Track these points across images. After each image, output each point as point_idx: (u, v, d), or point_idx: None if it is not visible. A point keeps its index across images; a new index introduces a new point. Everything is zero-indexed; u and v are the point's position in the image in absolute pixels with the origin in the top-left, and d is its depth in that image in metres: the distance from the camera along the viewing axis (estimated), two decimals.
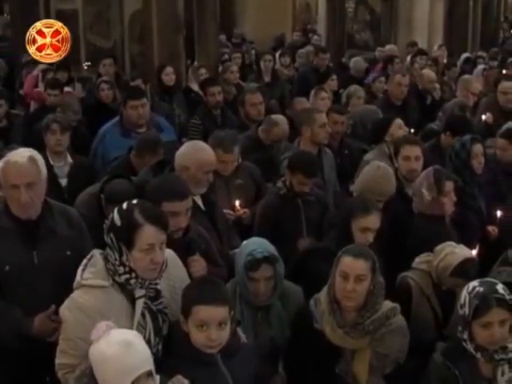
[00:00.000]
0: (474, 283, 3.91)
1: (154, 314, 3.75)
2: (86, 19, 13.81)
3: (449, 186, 5.71)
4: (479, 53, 16.03)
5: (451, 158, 6.61)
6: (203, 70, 10.54)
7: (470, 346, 3.87)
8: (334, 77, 10.59)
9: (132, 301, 3.70)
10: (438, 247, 5.04)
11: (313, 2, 21.22)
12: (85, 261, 3.76)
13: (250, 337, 4.38)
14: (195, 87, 10.37)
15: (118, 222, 3.66)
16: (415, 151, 6.29)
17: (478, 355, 3.87)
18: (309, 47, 15.16)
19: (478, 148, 6.53)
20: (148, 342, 3.57)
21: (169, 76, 10.26)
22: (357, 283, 4.13)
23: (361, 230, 5.02)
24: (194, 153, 5.38)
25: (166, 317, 3.80)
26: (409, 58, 13.06)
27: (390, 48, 14.55)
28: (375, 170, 5.88)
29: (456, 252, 4.96)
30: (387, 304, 4.33)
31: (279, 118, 7.56)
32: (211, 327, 3.57)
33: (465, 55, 15.00)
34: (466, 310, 3.85)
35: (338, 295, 4.20)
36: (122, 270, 3.66)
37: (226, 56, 13.37)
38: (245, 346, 3.89)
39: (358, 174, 6.19)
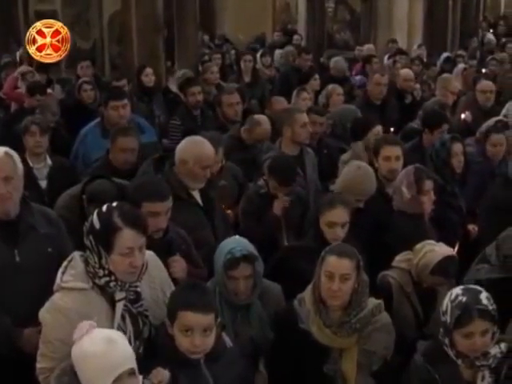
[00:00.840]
0: (458, 291, 3.89)
1: (134, 316, 3.75)
2: (65, 20, 13.71)
3: (428, 184, 5.74)
4: (459, 52, 16.10)
5: (431, 157, 6.64)
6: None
7: (451, 352, 3.87)
8: (317, 76, 10.60)
9: (112, 303, 3.69)
10: (418, 245, 5.06)
11: (293, 1, 21.22)
12: (65, 263, 3.75)
13: (231, 336, 4.38)
14: (174, 88, 10.35)
15: (97, 225, 3.66)
16: (395, 151, 6.31)
17: (459, 361, 3.87)
18: (289, 47, 15.17)
19: (457, 147, 6.58)
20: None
21: (148, 77, 10.26)
22: (342, 282, 4.13)
23: (328, 225, 5.03)
24: (193, 147, 5.45)
25: (146, 319, 3.79)
26: (386, 56, 13.14)
27: (368, 47, 14.62)
28: (355, 170, 5.91)
29: (436, 250, 4.98)
30: (372, 301, 4.36)
31: (262, 117, 7.57)
32: (196, 333, 3.57)
33: (445, 54, 15.06)
34: (448, 318, 3.84)
35: (323, 295, 4.20)
36: (101, 272, 3.65)
37: (206, 57, 13.36)
38: (229, 351, 3.89)
39: (339, 175, 6.21)
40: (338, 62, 12.22)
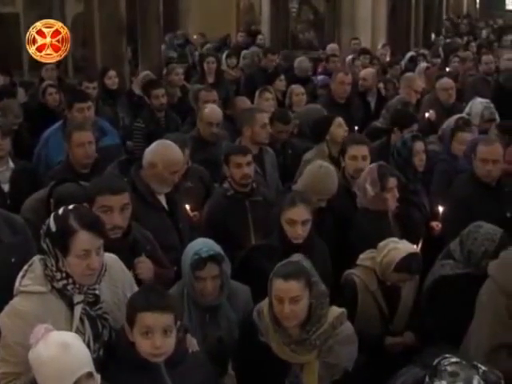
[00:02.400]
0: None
1: (93, 319, 3.72)
2: (28, 23, 13.63)
3: (392, 182, 5.78)
4: (421, 51, 16.23)
5: (393, 155, 6.67)
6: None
7: None
8: (282, 77, 10.61)
9: (71, 306, 3.67)
10: (381, 243, 5.09)
11: (256, 2, 21.24)
12: (25, 267, 3.73)
13: (199, 338, 4.37)
14: (138, 90, 10.30)
15: (53, 227, 3.64)
16: (362, 151, 6.34)
17: None
18: (254, 48, 15.18)
19: (419, 145, 6.62)
20: (87, 347, 3.52)
21: (111, 80, 10.22)
22: (293, 304, 4.06)
23: (288, 223, 5.02)
24: (163, 151, 5.45)
25: (106, 322, 3.77)
26: (349, 57, 13.20)
27: (331, 47, 14.67)
28: (317, 169, 5.90)
29: (399, 247, 5.01)
30: (333, 312, 4.29)
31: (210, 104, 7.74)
32: (156, 334, 3.55)
33: (409, 54, 15.15)
34: None
35: (277, 316, 4.14)
36: (59, 275, 3.63)
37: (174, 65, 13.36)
38: (193, 355, 3.87)
39: (299, 173, 6.22)
40: (301, 62, 12.24)
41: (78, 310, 3.66)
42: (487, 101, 8.54)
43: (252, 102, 8.88)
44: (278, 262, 4.37)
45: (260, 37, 17.29)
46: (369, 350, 4.96)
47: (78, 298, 3.67)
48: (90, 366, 3.28)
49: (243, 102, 8.76)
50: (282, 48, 15.89)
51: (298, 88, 9.39)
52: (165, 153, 5.42)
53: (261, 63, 12.92)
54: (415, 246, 5.33)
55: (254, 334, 4.26)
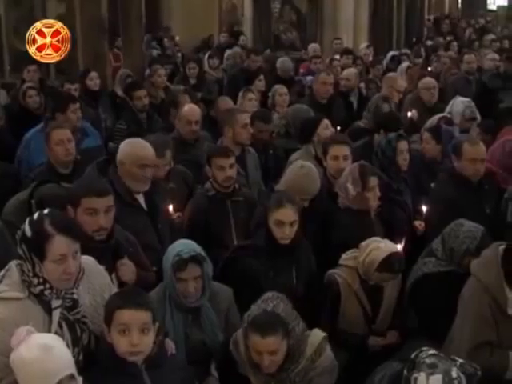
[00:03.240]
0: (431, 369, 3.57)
1: (72, 323, 3.70)
2: (9, 24, 13.56)
3: (373, 181, 5.79)
4: (403, 50, 16.28)
5: (377, 154, 6.69)
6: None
7: None
8: (262, 77, 10.62)
9: (49, 311, 3.64)
10: (364, 243, 5.10)
11: (239, 3, 21.23)
12: (2, 272, 3.69)
13: (182, 340, 4.41)
14: (120, 92, 10.28)
15: (28, 233, 3.61)
16: (343, 151, 6.35)
17: None
18: (236, 48, 15.17)
19: (403, 145, 6.64)
20: None
21: (93, 81, 10.18)
22: (272, 356, 4.01)
23: (275, 224, 5.00)
24: (129, 148, 5.49)
25: (85, 326, 3.75)
26: (328, 58, 13.22)
27: (312, 47, 14.69)
28: (298, 169, 5.91)
29: (381, 247, 5.02)
30: (312, 342, 4.25)
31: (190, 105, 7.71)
32: (133, 331, 3.55)
33: (391, 53, 15.21)
34: None
35: (256, 362, 4.08)
36: (36, 281, 3.60)
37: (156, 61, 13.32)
38: (172, 358, 3.87)
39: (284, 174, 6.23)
40: (284, 62, 12.26)
41: (56, 314, 3.64)
42: (468, 100, 8.59)
43: (235, 103, 8.89)
44: (263, 261, 4.37)
45: (242, 37, 17.29)
46: (352, 349, 5.00)
47: (55, 302, 3.64)
48: (71, 368, 3.28)
49: (225, 102, 8.78)
50: (264, 48, 15.91)
51: (281, 88, 9.38)
52: (129, 149, 5.46)
53: (244, 64, 12.90)
54: (398, 245, 5.35)
55: (233, 364, 4.23)
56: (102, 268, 4.07)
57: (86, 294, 3.83)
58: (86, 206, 4.44)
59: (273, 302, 4.15)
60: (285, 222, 4.99)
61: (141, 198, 5.42)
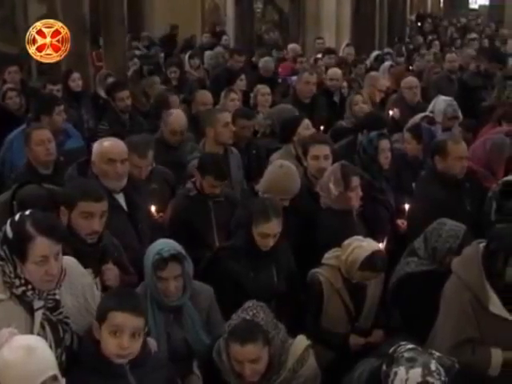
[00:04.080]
0: (417, 378, 3.56)
1: (54, 324, 3.69)
2: None
3: (355, 181, 5.80)
4: (386, 50, 16.33)
5: (359, 153, 6.71)
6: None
7: None
8: (243, 77, 10.62)
9: (31, 313, 3.63)
10: (346, 242, 5.11)
11: (221, 3, 21.24)
12: None
13: (163, 339, 4.41)
14: (102, 93, 10.25)
15: (9, 234, 3.60)
16: (324, 150, 6.35)
17: None
18: (219, 48, 15.17)
19: (384, 143, 6.66)
20: None
21: (75, 82, 10.14)
22: (253, 364, 3.98)
23: (261, 236, 5.03)
24: (97, 146, 5.54)
25: (67, 327, 3.75)
26: (313, 57, 13.24)
27: (292, 47, 14.69)
28: (278, 169, 5.91)
29: (363, 246, 5.04)
30: (295, 352, 4.21)
31: (175, 110, 7.71)
32: (124, 335, 3.57)
33: (375, 53, 15.23)
34: None
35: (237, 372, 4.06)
36: (17, 282, 3.59)
37: (136, 60, 13.29)
38: (155, 356, 3.87)
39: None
40: (266, 61, 12.27)
41: (38, 315, 3.63)
42: (450, 98, 8.61)
43: (218, 103, 8.89)
44: (243, 263, 4.37)
45: (225, 37, 17.29)
46: (336, 348, 5.01)
47: (37, 303, 3.64)
48: (55, 369, 3.26)
49: (203, 95, 8.84)
50: (246, 48, 15.90)
51: (263, 88, 9.39)
52: (97, 147, 5.50)
53: (227, 64, 12.89)
54: (380, 244, 5.37)
55: (216, 371, 4.18)
56: (82, 268, 4.06)
57: (68, 295, 3.82)
58: (82, 210, 4.43)
59: (252, 310, 4.10)
60: (270, 234, 5.03)
61: (121, 198, 5.43)
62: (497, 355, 4.51)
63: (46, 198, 4.91)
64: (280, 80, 12.26)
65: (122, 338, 3.57)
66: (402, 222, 6.47)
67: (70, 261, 3.87)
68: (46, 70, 12.61)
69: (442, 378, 3.57)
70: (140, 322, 3.63)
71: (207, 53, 14.92)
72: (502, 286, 4.51)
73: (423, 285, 5.00)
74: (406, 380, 3.54)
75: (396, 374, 3.57)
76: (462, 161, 6.31)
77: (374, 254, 5.01)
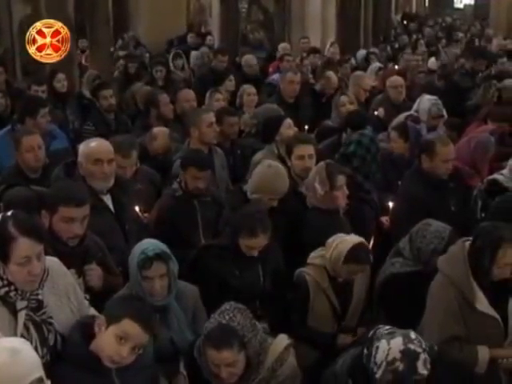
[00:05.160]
0: (396, 353, 3.70)
1: (38, 324, 3.68)
2: None
3: (341, 179, 5.82)
4: (371, 49, 16.35)
5: (347, 156, 6.73)
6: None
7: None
8: (232, 77, 10.60)
9: (14, 313, 3.62)
10: (330, 239, 5.13)
11: (207, 3, 21.21)
12: None
13: (149, 339, 4.38)
14: (87, 93, 10.23)
15: None
16: (308, 150, 6.36)
17: None
18: (204, 48, 15.15)
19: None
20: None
21: (60, 83, 10.10)
22: (229, 367, 4.01)
23: (247, 248, 5.04)
24: (83, 147, 5.53)
25: (51, 327, 3.74)
26: (299, 56, 13.25)
27: (282, 47, 14.70)
28: (267, 169, 5.90)
29: (346, 239, 5.08)
30: (274, 351, 4.23)
31: (160, 131, 7.54)
32: (128, 345, 3.62)
33: (363, 52, 15.24)
34: (379, 374, 3.75)
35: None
36: (0, 283, 3.58)
37: (121, 61, 13.27)
38: (139, 357, 3.84)
39: (250, 174, 6.22)
40: (249, 59, 12.29)
41: (21, 316, 3.62)
42: (435, 97, 8.63)
43: (203, 103, 8.89)
44: (228, 262, 4.38)
45: (209, 37, 17.28)
46: (323, 347, 5.01)
47: (20, 304, 3.63)
48: (40, 371, 3.25)
49: (186, 93, 8.88)
50: (232, 48, 15.89)
51: (249, 88, 9.38)
52: (83, 148, 5.49)
53: (211, 64, 12.88)
54: (361, 238, 5.38)
55: (197, 370, 4.22)
56: (65, 268, 4.05)
57: (51, 295, 3.82)
58: (63, 215, 4.42)
59: (229, 314, 4.13)
60: (256, 247, 5.05)
61: (108, 199, 5.42)
62: (483, 353, 4.56)
63: (34, 199, 4.91)
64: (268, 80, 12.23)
65: (125, 347, 3.60)
66: (386, 220, 6.50)
67: (52, 261, 3.86)
68: (31, 71, 12.58)
69: (423, 346, 3.71)
70: (146, 339, 3.68)
71: (193, 53, 14.88)
72: (488, 284, 4.54)
73: (408, 285, 5.01)
74: (389, 350, 3.70)
75: (378, 347, 3.71)
76: (448, 163, 6.31)
77: (357, 247, 5.03)
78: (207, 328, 4.09)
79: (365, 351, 3.77)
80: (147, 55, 14.61)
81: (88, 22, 12.56)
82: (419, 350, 3.73)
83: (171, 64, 12.60)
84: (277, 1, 17.87)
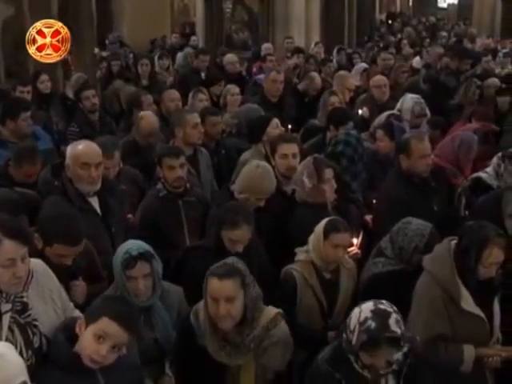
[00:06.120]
0: (367, 312, 3.75)
1: (23, 327, 3.68)
2: None
3: (328, 173, 5.86)
4: (352, 49, 16.41)
5: (335, 156, 6.73)
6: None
7: (356, 365, 3.83)
8: (222, 83, 10.54)
9: None
10: (311, 236, 5.20)
11: (191, 3, 21.20)
12: None
13: (134, 340, 4.35)
14: (71, 94, 10.19)
15: None
16: (292, 149, 6.35)
17: (365, 373, 3.84)
18: (188, 49, 15.14)
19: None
20: (20, 355, 3.47)
21: (44, 84, 10.05)
22: (228, 304, 4.05)
23: (230, 241, 5.06)
24: (71, 149, 5.52)
25: (36, 329, 3.73)
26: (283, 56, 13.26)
27: (265, 47, 14.71)
28: (254, 169, 5.90)
29: (322, 222, 5.16)
30: (267, 314, 4.30)
31: (147, 113, 7.70)
32: (107, 344, 3.60)
33: (336, 47, 15.23)
34: (354, 339, 3.76)
35: (213, 318, 4.13)
36: None
37: (104, 63, 13.24)
38: (123, 358, 3.84)
39: (236, 174, 6.22)
40: (230, 58, 12.32)
41: (6, 319, 3.62)
42: (418, 96, 8.65)
43: (186, 103, 8.87)
44: (213, 263, 4.35)
45: (194, 38, 17.26)
46: (311, 344, 5.00)
47: (5, 306, 3.62)
48: (24, 375, 3.24)
49: (170, 92, 8.91)
50: (216, 48, 15.90)
51: (233, 88, 9.39)
52: (71, 150, 5.49)
53: (193, 64, 12.87)
54: (354, 240, 5.41)
55: (192, 337, 4.25)
56: (49, 270, 4.04)
57: (36, 297, 3.81)
58: (57, 252, 4.42)
59: (233, 259, 4.26)
60: (238, 240, 5.06)
61: (95, 202, 5.42)
62: (469, 352, 4.57)
63: (18, 201, 4.89)
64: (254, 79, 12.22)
65: (104, 347, 3.57)
66: (371, 218, 6.51)
67: (36, 263, 3.86)
68: (14, 72, 12.51)
69: (394, 309, 3.76)
70: (126, 338, 3.64)
71: (179, 54, 14.88)
72: (474, 283, 4.55)
73: (391, 285, 5.00)
74: (360, 312, 3.77)
75: (351, 317, 3.80)
76: (425, 158, 6.29)
77: (332, 219, 5.17)
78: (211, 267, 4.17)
79: (343, 336, 3.81)
80: (131, 56, 14.57)
81: (72, 23, 12.48)
82: (390, 309, 3.78)
83: (156, 63, 12.58)
84: (261, 1, 17.84)
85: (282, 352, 4.32)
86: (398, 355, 3.85)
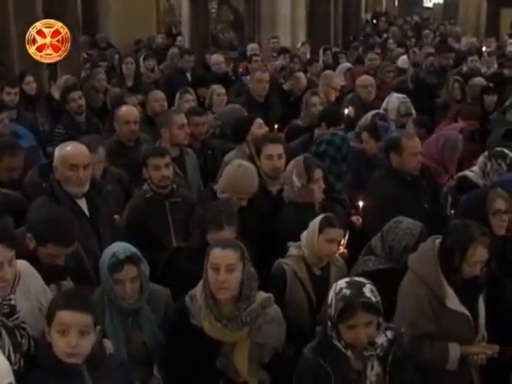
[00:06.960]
0: (342, 283, 3.91)
1: (11, 330, 3.66)
2: None
3: (318, 173, 5.88)
4: (337, 49, 16.44)
5: (320, 156, 6.73)
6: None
7: (339, 344, 3.89)
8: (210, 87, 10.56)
9: None
10: (303, 234, 5.23)
11: (176, 3, 21.16)
12: None
13: (122, 342, 4.39)
14: (57, 95, 10.16)
15: None
16: (277, 149, 6.35)
17: (348, 353, 3.90)
18: (174, 49, 15.12)
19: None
20: (8, 358, 3.48)
21: (29, 85, 10.06)
22: (228, 273, 4.15)
23: (214, 242, 5.01)
24: (58, 151, 5.50)
25: (24, 331, 3.72)
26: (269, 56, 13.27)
27: (251, 47, 14.71)
28: (236, 169, 5.92)
29: (316, 219, 5.19)
30: (261, 295, 4.38)
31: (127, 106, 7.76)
32: (72, 333, 3.52)
33: (322, 47, 15.26)
34: (332, 311, 3.86)
35: (212, 288, 4.20)
36: None
37: (88, 65, 13.21)
38: (111, 357, 3.86)
39: (220, 174, 6.22)
40: (216, 58, 12.33)
41: None
42: (403, 96, 8.69)
43: (172, 104, 8.86)
44: (199, 263, 4.37)
45: (179, 38, 17.23)
46: (300, 339, 5.00)
47: None
48: (10, 377, 3.23)
49: (155, 93, 8.93)
50: (202, 48, 15.88)
51: (219, 88, 9.41)
52: (59, 152, 5.47)
53: (178, 64, 12.86)
54: (341, 240, 5.41)
55: (186, 318, 4.30)
56: (35, 271, 4.03)
57: (23, 299, 3.82)
58: (50, 252, 4.42)
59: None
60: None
61: (83, 203, 5.41)
62: (455, 350, 4.58)
63: (1, 202, 4.87)
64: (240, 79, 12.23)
65: (70, 337, 3.52)
66: (357, 219, 6.52)
67: (22, 264, 3.85)
68: (0, 73, 12.45)
69: (369, 281, 3.95)
70: (87, 319, 3.57)
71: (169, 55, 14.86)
72: (459, 282, 4.57)
73: (381, 283, 5.00)
74: (336, 285, 3.96)
75: (329, 293, 3.95)
76: (416, 156, 6.37)
77: (326, 216, 5.21)
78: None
79: (329, 324, 3.87)
80: (117, 57, 14.54)
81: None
82: (365, 281, 3.94)
83: (142, 64, 12.55)
84: (247, 1, 17.85)
85: (277, 330, 4.40)
86: (382, 339, 3.93)
